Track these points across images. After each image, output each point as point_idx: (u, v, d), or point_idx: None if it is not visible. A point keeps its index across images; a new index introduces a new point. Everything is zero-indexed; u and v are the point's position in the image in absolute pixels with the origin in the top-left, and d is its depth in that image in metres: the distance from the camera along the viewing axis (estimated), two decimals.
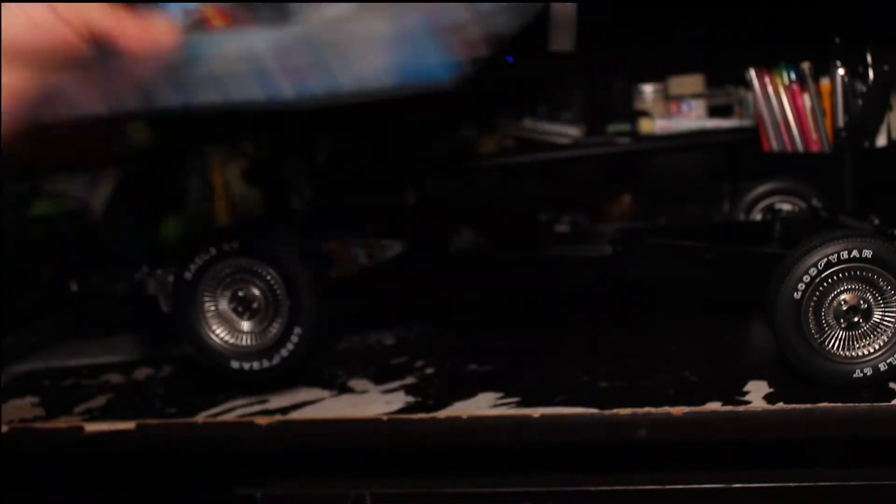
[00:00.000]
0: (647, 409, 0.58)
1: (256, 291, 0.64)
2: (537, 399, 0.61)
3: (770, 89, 0.91)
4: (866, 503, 0.57)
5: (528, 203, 1.23)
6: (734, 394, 0.59)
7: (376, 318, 0.84)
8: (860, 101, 0.85)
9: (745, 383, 0.60)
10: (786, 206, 0.85)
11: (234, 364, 0.64)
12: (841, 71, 0.85)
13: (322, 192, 0.94)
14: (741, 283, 0.81)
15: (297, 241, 0.64)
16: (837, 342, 0.58)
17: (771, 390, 0.59)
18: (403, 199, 1.16)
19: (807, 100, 0.89)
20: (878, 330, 0.58)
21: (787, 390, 0.58)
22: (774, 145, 0.92)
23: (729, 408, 0.57)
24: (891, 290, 0.57)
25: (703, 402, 0.58)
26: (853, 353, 0.58)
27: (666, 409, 0.58)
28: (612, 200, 1.23)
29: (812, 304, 0.58)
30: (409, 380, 0.67)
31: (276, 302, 0.64)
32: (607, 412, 0.58)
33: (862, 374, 0.57)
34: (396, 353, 0.74)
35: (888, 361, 0.57)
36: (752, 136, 0.99)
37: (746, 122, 1.03)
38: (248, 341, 0.65)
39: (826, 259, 0.57)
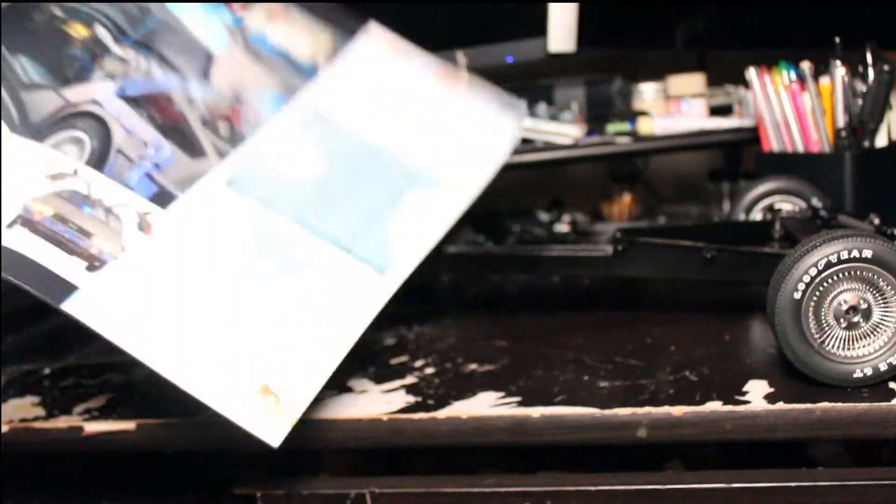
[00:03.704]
0: (647, 409, 0.58)
1: None
2: (537, 399, 0.61)
3: (770, 89, 0.91)
4: (866, 503, 0.57)
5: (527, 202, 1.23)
6: (734, 394, 0.59)
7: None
8: (860, 101, 0.85)
9: (745, 383, 0.60)
10: (786, 206, 0.85)
11: None
12: (841, 71, 0.85)
13: None
14: (741, 283, 0.81)
15: None
16: (837, 342, 0.58)
17: (771, 390, 0.59)
18: None
19: (807, 100, 0.89)
20: (878, 330, 0.58)
21: (787, 390, 0.58)
22: (774, 145, 0.92)
23: (729, 408, 0.57)
24: (891, 290, 0.57)
25: (703, 402, 0.58)
26: (853, 353, 0.58)
27: (666, 409, 0.58)
28: (612, 200, 1.23)
29: (812, 304, 0.58)
30: (409, 380, 0.67)
31: None
32: (607, 412, 0.58)
33: (862, 374, 0.57)
34: (396, 353, 0.74)
35: (888, 361, 0.57)
36: (752, 136, 0.99)
37: (746, 122, 1.03)
38: None
39: (826, 259, 0.57)
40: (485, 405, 0.61)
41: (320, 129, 0.68)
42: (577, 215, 1.19)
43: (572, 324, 0.79)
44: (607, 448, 0.61)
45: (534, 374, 0.66)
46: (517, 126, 0.76)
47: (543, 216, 1.17)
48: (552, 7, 1.03)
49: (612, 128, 1.08)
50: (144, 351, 0.53)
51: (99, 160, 0.59)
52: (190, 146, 0.63)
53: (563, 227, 1.14)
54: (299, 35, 0.74)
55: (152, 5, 0.68)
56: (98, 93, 0.62)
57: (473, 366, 0.69)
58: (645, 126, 1.06)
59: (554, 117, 1.10)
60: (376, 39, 0.77)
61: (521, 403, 0.61)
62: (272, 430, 0.54)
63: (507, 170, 1.09)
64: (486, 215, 1.18)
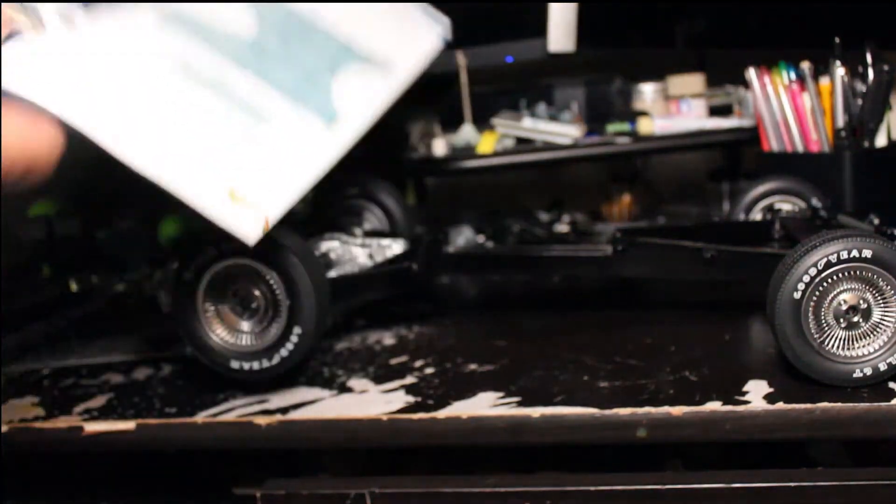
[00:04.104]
0: (647, 409, 0.58)
1: (256, 291, 0.64)
2: (537, 399, 0.61)
3: (770, 89, 0.91)
4: (866, 503, 0.57)
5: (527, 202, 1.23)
6: (734, 394, 0.59)
7: (376, 318, 0.85)
8: (860, 101, 0.85)
9: (745, 383, 0.60)
10: (786, 206, 0.86)
11: (234, 364, 0.64)
12: (841, 71, 0.85)
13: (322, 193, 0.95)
14: (741, 283, 0.81)
15: (296, 241, 0.64)
16: (837, 342, 0.58)
17: (771, 390, 0.59)
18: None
19: (807, 100, 0.89)
20: (878, 330, 0.58)
21: (787, 390, 0.58)
22: (774, 145, 0.92)
23: (729, 408, 0.57)
24: (890, 290, 0.57)
25: (703, 402, 0.58)
26: (853, 353, 0.58)
27: (666, 409, 0.58)
28: (612, 200, 1.23)
29: (812, 303, 0.58)
30: (409, 380, 0.67)
31: (276, 302, 0.64)
32: (607, 412, 0.58)
33: (862, 374, 0.57)
34: (396, 353, 0.74)
35: (888, 361, 0.57)
36: (752, 136, 0.99)
37: (746, 122, 1.03)
38: (248, 341, 0.65)
39: (826, 259, 0.57)
40: (485, 405, 0.61)
41: None
42: (577, 215, 1.19)
43: (572, 324, 0.79)
44: (607, 448, 0.61)
45: (534, 374, 0.66)
46: (441, 33, 0.75)
47: (543, 216, 1.17)
48: (552, 7, 1.03)
49: (612, 128, 1.08)
50: (82, 119, 0.47)
51: None
52: None
53: (563, 227, 1.14)
54: None
55: None
56: None
57: (473, 366, 0.69)
58: (645, 126, 1.06)
59: (554, 117, 1.10)
60: None
61: (521, 403, 0.60)
62: (245, 225, 0.51)
63: (508, 170, 1.09)
64: (486, 215, 1.18)
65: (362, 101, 0.63)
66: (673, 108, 1.11)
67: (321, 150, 0.58)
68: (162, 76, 0.53)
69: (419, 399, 0.63)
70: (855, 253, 0.57)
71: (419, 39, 0.77)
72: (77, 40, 0.50)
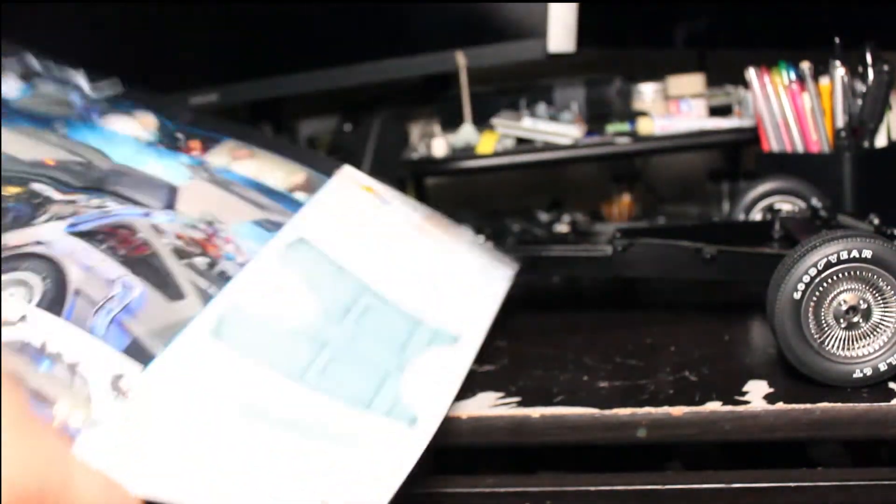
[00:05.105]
0: (647, 409, 0.58)
1: None
2: (537, 399, 0.61)
3: (770, 89, 0.91)
4: (866, 503, 0.57)
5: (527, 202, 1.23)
6: (734, 394, 0.59)
7: None
8: (860, 101, 0.85)
9: (745, 383, 0.60)
10: (786, 206, 0.86)
11: None
12: (841, 71, 0.85)
13: None
14: (741, 283, 0.81)
15: None
16: (837, 342, 0.58)
17: (771, 390, 0.59)
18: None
19: (807, 100, 0.89)
20: (878, 330, 0.58)
21: (787, 390, 0.58)
22: (774, 145, 0.92)
23: (729, 408, 0.57)
24: (890, 290, 0.57)
25: (703, 402, 0.58)
26: (853, 353, 0.58)
27: (666, 409, 0.58)
28: (612, 200, 1.23)
29: (812, 304, 0.58)
30: None
31: None
32: (607, 412, 0.58)
33: (862, 374, 0.57)
34: None
35: (888, 361, 0.57)
36: (752, 136, 0.99)
37: (746, 122, 1.03)
38: None
39: (826, 259, 0.57)
40: (485, 405, 0.61)
41: (310, 264, 0.59)
42: (577, 215, 1.19)
43: (572, 324, 0.79)
44: (607, 448, 0.61)
45: (534, 374, 0.66)
46: (509, 270, 0.72)
47: (543, 216, 1.17)
48: (552, 7, 1.03)
49: (611, 128, 1.08)
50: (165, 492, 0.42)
51: (53, 303, 0.46)
52: (164, 284, 0.51)
53: (563, 227, 1.14)
54: (269, 169, 0.65)
55: (95, 160, 0.59)
56: (42, 234, 0.50)
57: (473, 366, 0.69)
58: (645, 126, 1.06)
59: (554, 117, 1.10)
60: (353, 180, 0.69)
61: (521, 403, 0.60)
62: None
63: (507, 170, 1.09)
64: (486, 215, 1.18)
65: (439, 389, 0.57)
66: (673, 108, 1.11)
67: (401, 456, 0.51)
68: (231, 427, 0.47)
69: None
70: (855, 253, 0.57)
71: (491, 278, 0.72)
72: (122, 432, 0.44)
